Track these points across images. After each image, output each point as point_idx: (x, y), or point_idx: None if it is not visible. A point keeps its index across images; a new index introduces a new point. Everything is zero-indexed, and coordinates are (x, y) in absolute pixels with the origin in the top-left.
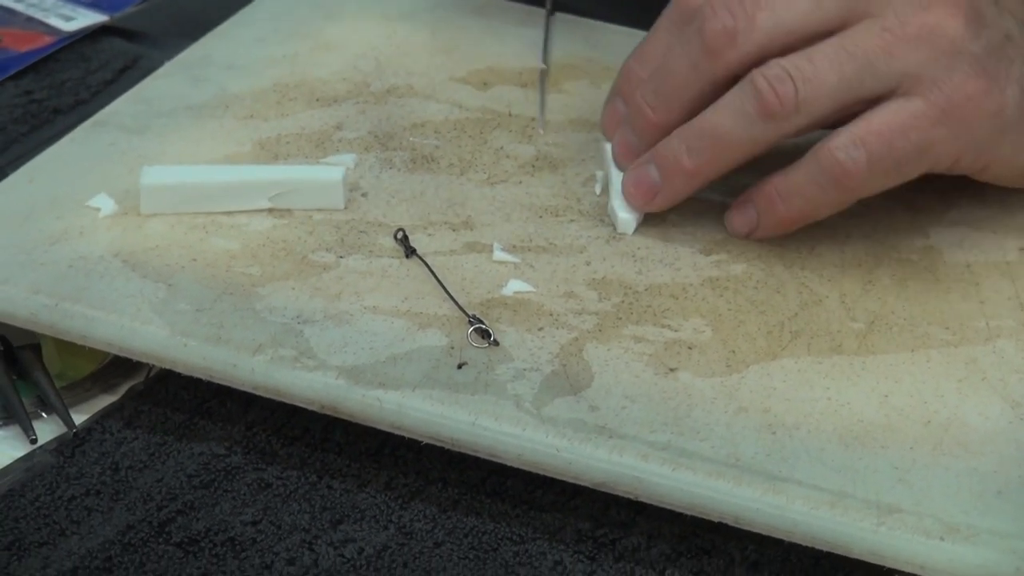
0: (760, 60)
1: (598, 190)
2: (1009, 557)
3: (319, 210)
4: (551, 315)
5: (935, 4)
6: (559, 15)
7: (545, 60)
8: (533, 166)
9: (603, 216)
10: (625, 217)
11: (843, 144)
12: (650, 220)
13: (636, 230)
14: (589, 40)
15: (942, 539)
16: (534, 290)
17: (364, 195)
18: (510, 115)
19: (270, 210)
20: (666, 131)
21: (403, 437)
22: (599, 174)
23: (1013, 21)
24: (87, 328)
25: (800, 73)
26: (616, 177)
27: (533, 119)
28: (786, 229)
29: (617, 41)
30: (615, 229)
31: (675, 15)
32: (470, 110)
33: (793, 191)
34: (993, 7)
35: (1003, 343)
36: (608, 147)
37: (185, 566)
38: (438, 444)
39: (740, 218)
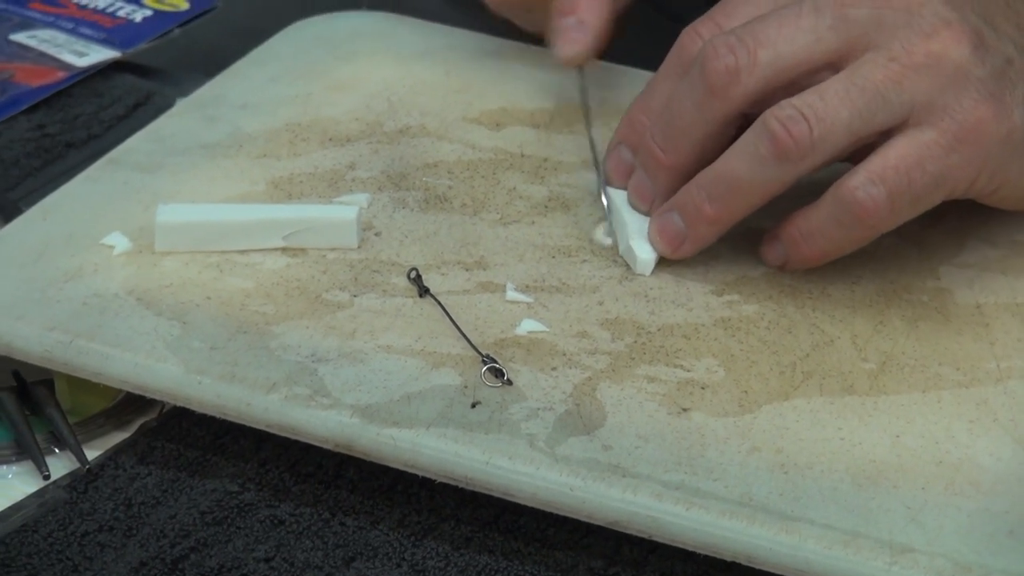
0: (765, 96)
1: (607, 241)
2: None
3: (333, 249)
4: (564, 355)
5: (939, 31)
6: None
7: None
8: (546, 206)
9: (616, 256)
10: (645, 259)
11: (862, 182)
12: (663, 260)
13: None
14: (601, 81)
15: None
16: (547, 330)
17: (378, 234)
18: (522, 156)
19: (284, 249)
20: (679, 173)
21: (416, 475)
22: (603, 224)
23: (1011, 44)
24: (101, 365)
25: (813, 111)
26: (630, 219)
27: (546, 159)
28: (814, 264)
29: (628, 83)
30: (632, 270)
31: (675, 62)
32: (483, 150)
33: (815, 231)
34: (992, 32)
35: (1014, 384)
36: (614, 193)
37: None
38: (452, 483)
39: (771, 253)
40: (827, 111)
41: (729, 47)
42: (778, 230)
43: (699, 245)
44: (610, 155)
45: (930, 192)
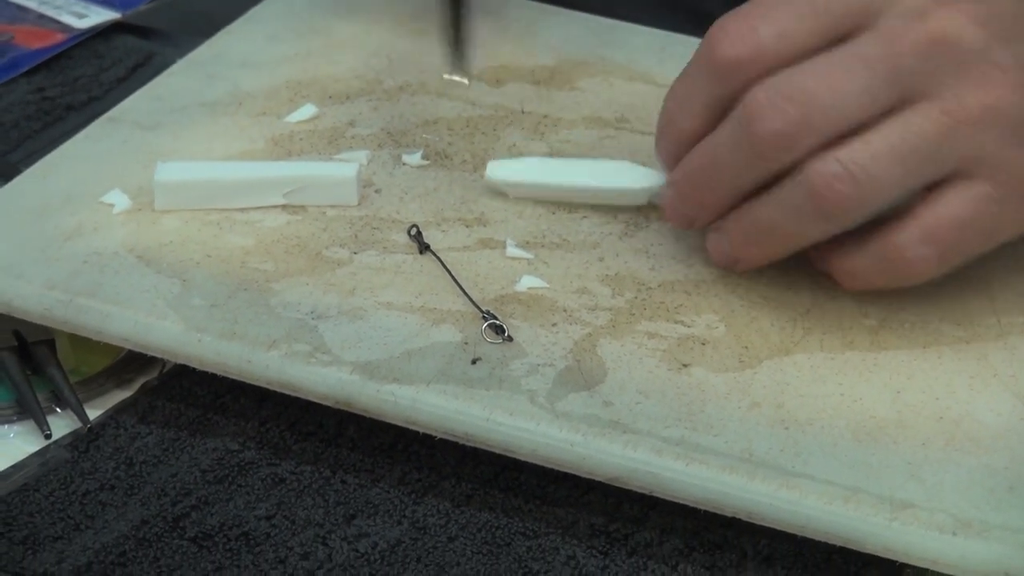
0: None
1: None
2: (1021, 552)
3: (333, 206)
4: (565, 311)
5: (993, 80)
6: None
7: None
8: None
9: (616, 212)
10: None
11: (912, 242)
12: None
13: (649, 226)
14: (602, 38)
15: (954, 534)
16: (547, 286)
17: (378, 191)
18: (523, 112)
19: (284, 206)
20: (720, 210)
21: (417, 432)
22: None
23: None
24: (102, 323)
25: (861, 168)
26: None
27: (545, 116)
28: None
29: (629, 39)
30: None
31: (704, 66)
32: (483, 107)
33: (857, 273)
34: None
35: (1014, 339)
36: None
37: (199, 560)
38: (452, 439)
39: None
40: (876, 168)
41: (777, 108)
42: (815, 261)
43: (753, 266)
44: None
45: (981, 246)
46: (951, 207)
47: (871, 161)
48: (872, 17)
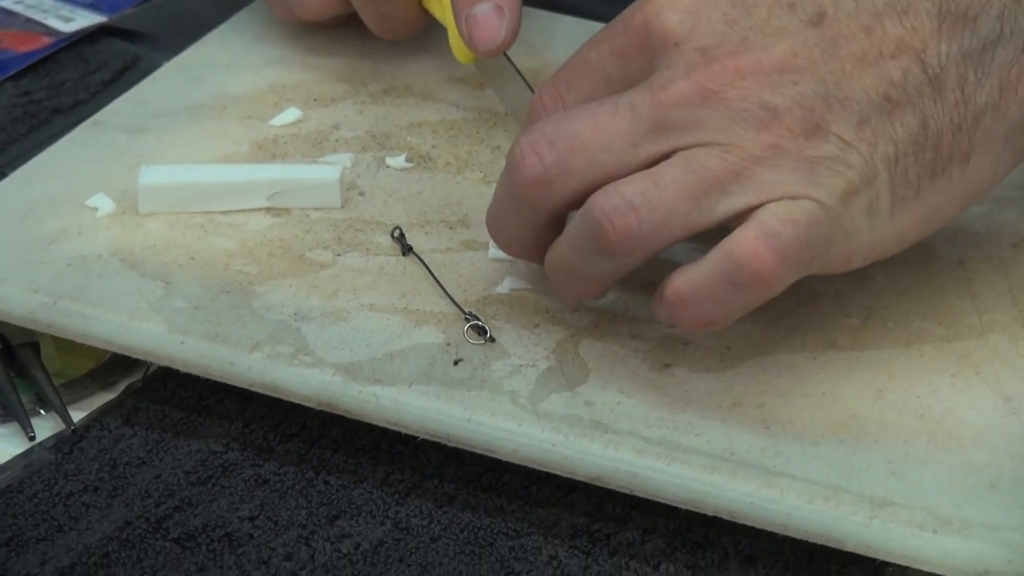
0: (585, 198)
1: None
2: (1002, 550)
3: (316, 209)
4: (547, 312)
5: (767, 123)
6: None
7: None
8: None
9: None
10: None
11: (751, 234)
12: None
13: None
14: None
15: (935, 532)
16: (530, 287)
17: (361, 194)
18: (506, 115)
19: (268, 209)
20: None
21: (399, 433)
22: None
23: (865, 95)
24: (85, 326)
25: (642, 200)
26: None
27: None
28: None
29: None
30: None
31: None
32: (467, 110)
33: (696, 296)
34: (837, 90)
35: (996, 338)
36: None
37: (182, 561)
38: (434, 440)
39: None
40: (659, 200)
41: (537, 153)
42: (656, 312)
43: (590, 299)
44: None
45: (822, 251)
46: (784, 208)
47: (655, 192)
48: (651, 74)
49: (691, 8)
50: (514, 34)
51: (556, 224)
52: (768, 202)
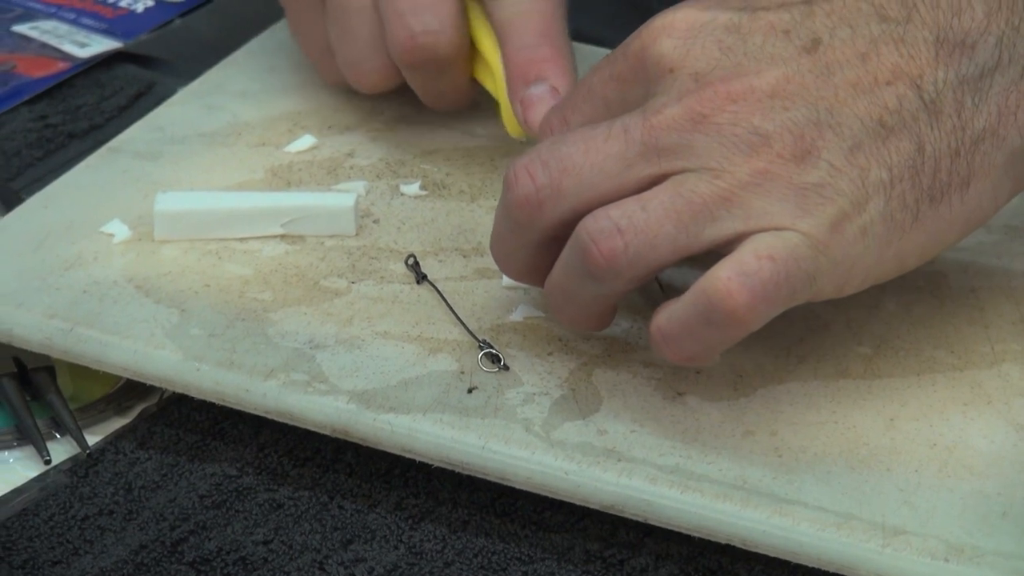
0: (578, 219)
1: None
2: None
3: (331, 236)
4: (560, 340)
5: (757, 148)
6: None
7: None
8: None
9: None
10: None
11: (725, 273)
12: None
13: None
14: None
15: (947, 560)
16: (543, 315)
17: (376, 221)
18: (520, 143)
19: (282, 236)
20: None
21: (413, 459)
22: None
23: (858, 121)
24: (101, 353)
25: (629, 223)
26: None
27: None
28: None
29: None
30: None
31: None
32: (481, 137)
33: (675, 332)
34: (828, 116)
35: (1008, 367)
36: None
37: None
38: (448, 467)
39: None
40: (647, 223)
41: (530, 173)
42: (654, 348)
43: (592, 330)
44: None
45: (803, 288)
46: (766, 243)
47: (642, 216)
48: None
49: (686, 35)
50: None
51: (553, 248)
52: (755, 232)
